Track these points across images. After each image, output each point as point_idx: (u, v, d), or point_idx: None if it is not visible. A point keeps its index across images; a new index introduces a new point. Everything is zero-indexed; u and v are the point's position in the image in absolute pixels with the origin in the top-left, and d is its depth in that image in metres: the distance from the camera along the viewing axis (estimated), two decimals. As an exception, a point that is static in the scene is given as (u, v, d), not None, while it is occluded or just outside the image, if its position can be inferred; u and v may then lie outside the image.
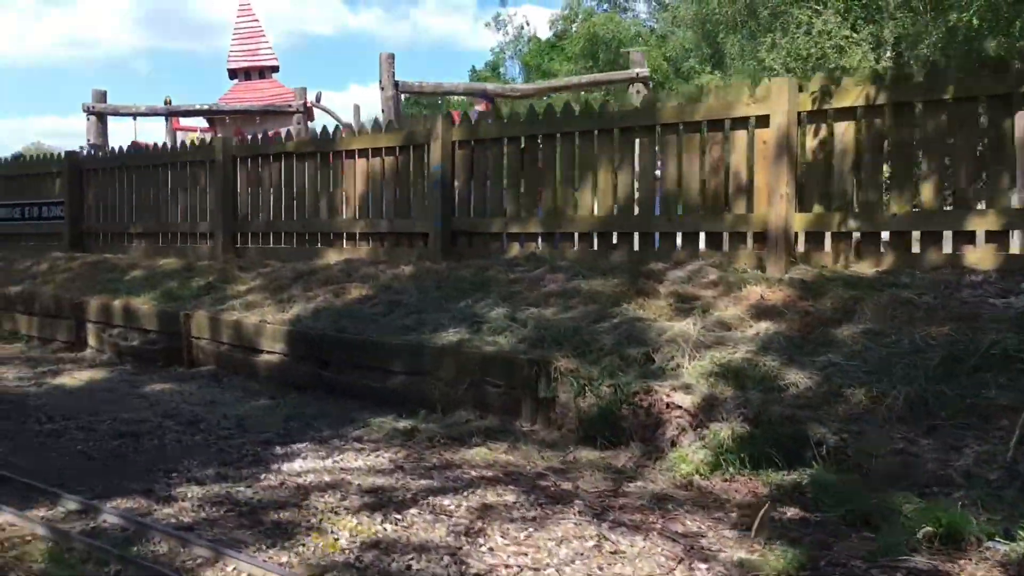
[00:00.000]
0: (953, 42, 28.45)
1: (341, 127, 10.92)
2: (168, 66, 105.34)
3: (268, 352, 5.92)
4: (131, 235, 9.60)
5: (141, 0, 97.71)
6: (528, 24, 49.79)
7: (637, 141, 5.95)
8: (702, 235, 5.68)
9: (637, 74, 12.64)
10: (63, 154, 10.62)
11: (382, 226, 7.36)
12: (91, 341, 7.41)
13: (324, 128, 8.13)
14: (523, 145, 6.53)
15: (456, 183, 6.91)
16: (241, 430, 4.69)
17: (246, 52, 27.18)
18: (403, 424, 4.69)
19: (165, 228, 9.24)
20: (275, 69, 27.26)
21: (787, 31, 31.58)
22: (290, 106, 17.61)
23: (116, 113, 18.39)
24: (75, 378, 6.25)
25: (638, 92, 12.76)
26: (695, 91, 7.01)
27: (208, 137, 25.26)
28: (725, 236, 5.58)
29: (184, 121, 25.13)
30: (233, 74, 27.02)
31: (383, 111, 14.17)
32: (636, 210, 5.99)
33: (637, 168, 5.97)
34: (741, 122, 5.43)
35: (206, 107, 18.91)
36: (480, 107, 10.13)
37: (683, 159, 5.70)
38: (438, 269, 6.48)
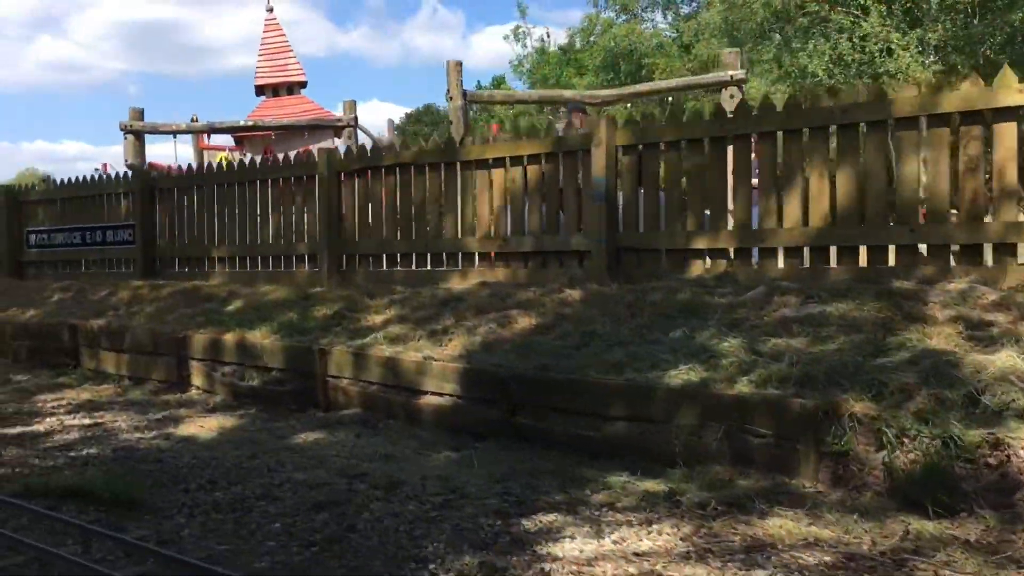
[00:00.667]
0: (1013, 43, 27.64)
1: (375, 141, 10.25)
2: (159, 90, 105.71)
3: (435, 394, 5.13)
4: (213, 260, 8.84)
5: (131, 25, 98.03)
6: (548, 36, 49.37)
7: (863, 138, 5.18)
8: (954, 247, 4.89)
9: (731, 77, 11.89)
10: (130, 173, 9.89)
11: (525, 245, 6.59)
12: (196, 381, 6.63)
13: (449, 137, 7.37)
14: (707, 148, 5.76)
15: (619, 194, 6.14)
16: (457, 496, 3.89)
17: (274, 68, 26.55)
18: (652, 485, 3.89)
19: (255, 251, 8.48)
20: (303, 85, 26.68)
21: (828, 36, 30.87)
22: (340, 120, 16.92)
23: (155, 131, 17.72)
24: (202, 427, 5.47)
25: (732, 97, 12.00)
26: (936, 80, 6.21)
27: (236, 156, 24.65)
28: (987, 248, 4.78)
29: (211, 140, 24.53)
30: (260, 91, 26.37)
31: (451, 122, 13.46)
32: (861, 219, 5.20)
33: (861, 170, 5.19)
34: (1007, 113, 4.66)
35: (249, 123, 18.21)
36: (574, 118, 9.36)
37: (927, 158, 4.93)
38: (609, 292, 5.69)
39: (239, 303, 7.25)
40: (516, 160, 6.67)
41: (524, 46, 49.75)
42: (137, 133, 17.37)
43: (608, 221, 6.04)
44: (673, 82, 13.01)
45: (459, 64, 13.57)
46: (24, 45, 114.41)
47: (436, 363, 5.12)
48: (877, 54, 29.17)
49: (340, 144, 24.07)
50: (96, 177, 10.32)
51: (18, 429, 5.52)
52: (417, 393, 5.23)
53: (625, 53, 41.31)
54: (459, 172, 7.03)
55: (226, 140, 26.38)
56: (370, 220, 7.66)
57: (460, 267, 7.00)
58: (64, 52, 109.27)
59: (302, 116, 22.01)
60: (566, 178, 6.40)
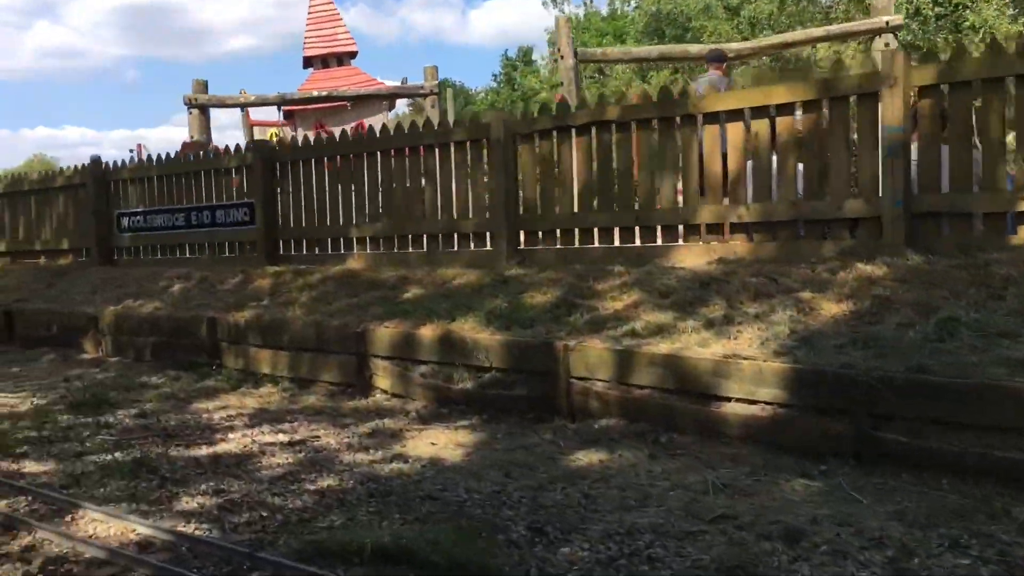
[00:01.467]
0: None
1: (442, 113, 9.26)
2: (158, 75, 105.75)
3: (743, 401, 4.14)
4: (352, 240, 7.88)
5: (127, 9, 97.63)
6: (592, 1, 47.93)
7: None
8: None
9: (887, 23, 10.74)
10: (248, 146, 8.92)
11: (776, 212, 5.56)
12: (381, 383, 5.68)
13: (664, 87, 6.33)
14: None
15: (913, 147, 5.09)
16: (899, 551, 2.90)
17: (323, 38, 25.58)
18: None
19: (405, 230, 7.50)
20: (353, 55, 25.66)
21: (903, -13, 29.30)
22: (422, 88, 15.89)
23: (222, 105, 16.82)
24: (433, 444, 4.52)
25: (887, 45, 10.85)
26: None
27: (287, 132, 23.74)
28: None
29: (256, 115, 23.63)
30: (308, 62, 25.44)
31: (562, 83, 12.42)
32: None
33: None
34: None
35: (323, 94, 17.21)
36: (714, 70, 8.28)
37: None
38: (924, 267, 4.66)
39: (416, 290, 6.29)
40: (759, 111, 5.62)
41: (562, 11, 48.41)
42: (202, 107, 16.47)
43: (904, 181, 4.98)
44: (821, 30, 11.85)
45: (568, 20, 12.50)
46: (21, 32, 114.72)
47: (746, 363, 4.12)
48: (958, 7, 27.75)
49: (385, 118, 23.09)
50: (203, 151, 9.37)
51: (206, 450, 4.61)
52: (713, 400, 4.25)
53: (670, 18, 39.91)
54: (680, 129, 6.00)
55: (266, 114, 25.48)
56: (556, 190, 6.65)
57: (683, 241, 5.99)
58: (62, 38, 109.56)
59: (355, 88, 21.05)
60: (837, 129, 5.34)
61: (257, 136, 23.46)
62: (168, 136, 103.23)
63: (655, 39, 42.99)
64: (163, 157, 9.75)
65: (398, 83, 19.08)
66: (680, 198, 6.05)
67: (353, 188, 7.91)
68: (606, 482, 3.77)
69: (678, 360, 4.35)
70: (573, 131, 6.48)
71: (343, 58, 26.49)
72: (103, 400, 5.91)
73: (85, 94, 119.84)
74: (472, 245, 7.07)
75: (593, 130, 6.38)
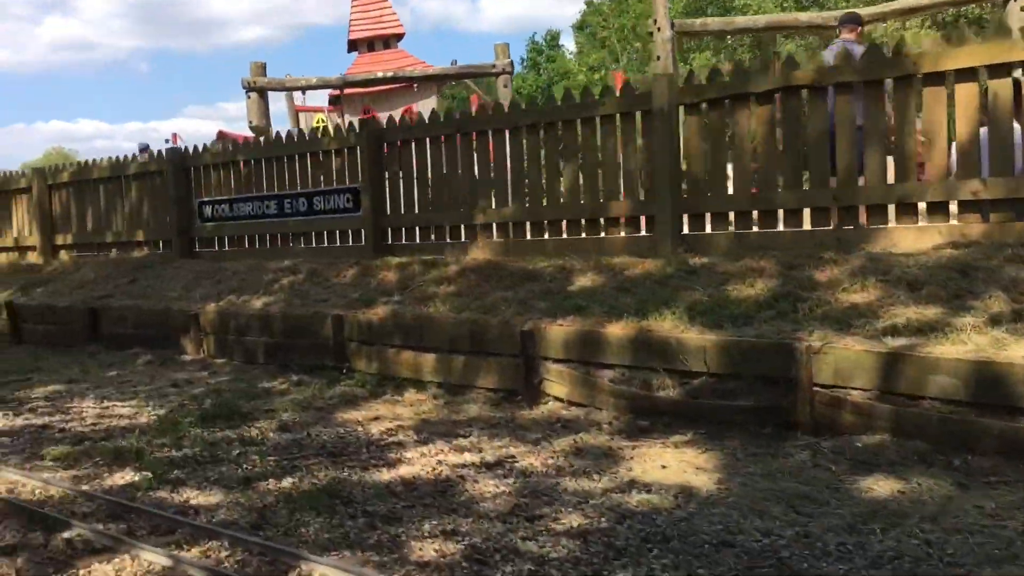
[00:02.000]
0: None
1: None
2: (170, 66, 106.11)
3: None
4: (474, 227, 7.18)
5: (138, 1, 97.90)
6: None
7: None
8: None
9: (1024, -18, 9.86)
10: (353, 125, 8.22)
11: None
12: (555, 389, 5.00)
13: (873, 45, 5.56)
14: None
15: None
16: None
17: (369, 20, 24.90)
18: None
19: (540, 214, 6.80)
20: (400, 37, 24.97)
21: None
22: (493, 67, 15.14)
23: (282, 88, 16.15)
24: (664, 467, 3.82)
25: (1023, 9, 9.98)
26: None
27: (334, 118, 23.09)
28: None
29: (301, 101, 23.06)
30: (353, 46, 24.80)
31: (658, 57, 11.64)
32: None
33: None
34: None
35: (388, 75, 16.53)
36: (847, 32, 7.47)
37: None
38: None
39: (583, 281, 5.59)
40: (997, 70, 4.84)
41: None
42: (261, 91, 15.81)
43: None
44: (949, -7, 10.97)
45: (665, -12, 11.71)
46: (34, 26, 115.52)
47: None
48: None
49: (435, 103, 22.36)
50: (297, 133, 8.72)
51: (390, 474, 3.95)
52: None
53: (710, -6, 38.92)
54: (894, 92, 5.24)
55: (312, 100, 24.88)
56: (729, 167, 5.92)
57: (895, 223, 5.24)
58: (74, 31, 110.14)
59: (421, 69, 20.36)
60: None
61: (303, 123, 22.89)
62: (181, 127, 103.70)
63: (698, 16, 42.03)
64: (250, 141, 9.10)
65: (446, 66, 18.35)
66: (892, 173, 5.29)
67: (476, 170, 7.22)
68: (934, 522, 3.05)
69: (982, 366, 3.61)
70: (750, 99, 5.74)
71: (390, 40, 25.85)
72: (233, 410, 5.28)
73: (98, 87, 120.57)
74: (622, 231, 6.36)
75: (777, 97, 5.63)
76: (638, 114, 6.24)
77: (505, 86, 15.26)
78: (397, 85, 22.01)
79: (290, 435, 4.76)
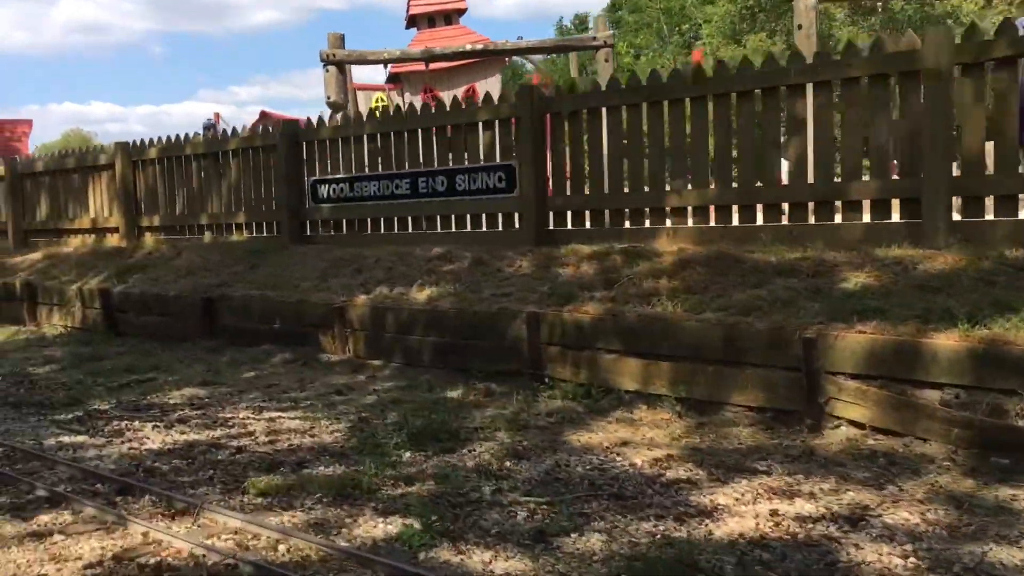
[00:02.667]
0: None
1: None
2: (183, 49, 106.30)
3: None
4: (663, 211, 6.27)
5: None
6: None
7: None
8: None
9: None
10: (508, 95, 7.29)
11: None
12: (849, 411, 4.10)
13: None
14: None
15: None
16: None
17: (430, -6, 24.06)
18: None
19: (752, 196, 5.87)
20: (462, 12, 24.07)
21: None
22: (594, 40, 14.18)
23: (363, 61, 15.30)
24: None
25: None
26: None
27: (393, 97, 22.22)
28: None
29: (358, 77, 22.27)
30: (412, 21, 23.94)
31: (799, 26, 10.63)
32: None
33: None
34: None
35: (478, 47, 15.61)
36: None
37: None
38: None
39: (858, 277, 4.67)
40: None
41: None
42: (340, 63, 14.98)
43: None
44: None
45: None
46: (48, 7, 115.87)
47: None
48: None
49: (498, 83, 21.45)
50: (437, 104, 7.83)
51: (718, 529, 3.11)
52: None
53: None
54: None
55: (371, 79, 24.04)
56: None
57: None
58: (87, 13, 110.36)
59: (510, 43, 19.54)
60: None
61: (361, 102, 22.08)
62: (192, 111, 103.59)
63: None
64: (377, 113, 8.24)
65: (542, 39, 17.42)
66: None
67: (669, 144, 6.30)
68: None
69: None
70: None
71: (451, 15, 24.99)
72: (439, 428, 4.44)
73: (111, 69, 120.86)
74: (867, 216, 5.42)
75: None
76: (894, 77, 5.29)
77: (607, 60, 14.28)
78: (458, 63, 21.29)
79: (532, 464, 3.90)
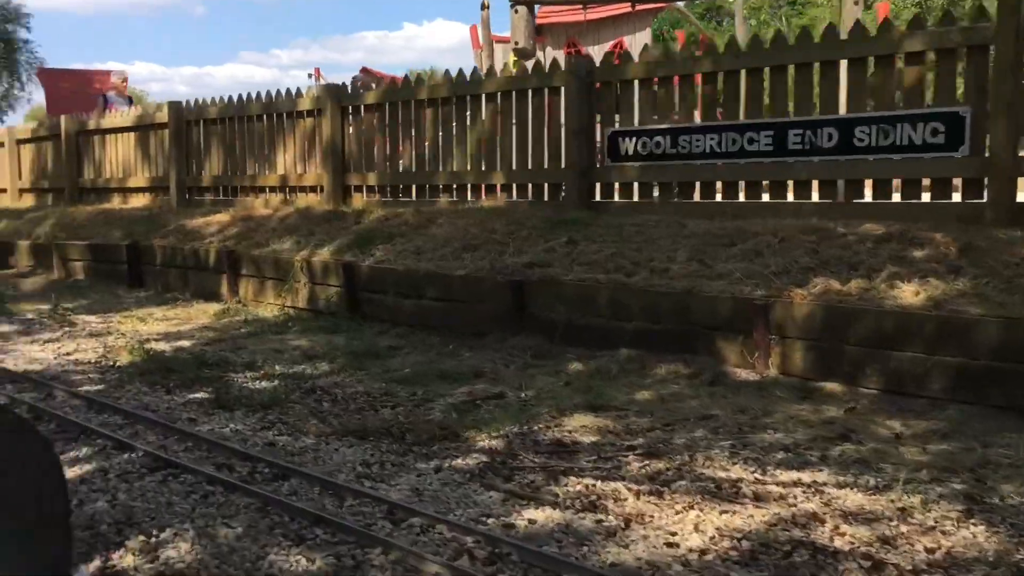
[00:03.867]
0: None
1: None
2: (224, 10, 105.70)
3: None
4: None
5: None
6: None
7: None
8: None
9: None
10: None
11: None
12: None
13: None
14: None
15: None
16: None
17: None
18: None
19: None
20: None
21: None
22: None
23: (551, 0, 13.59)
24: None
25: None
26: None
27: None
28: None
29: (497, 32, 20.57)
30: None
31: None
32: None
33: None
34: None
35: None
36: None
37: None
38: None
39: None
40: None
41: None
42: (529, 4, 13.32)
43: None
44: None
45: None
46: None
47: None
48: None
49: (645, 38, 19.62)
50: (828, 29, 6.04)
51: None
52: None
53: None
54: None
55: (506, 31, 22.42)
56: None
57: None
58: None
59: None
60: None
61: (499, 57, 20.35)
62: (234, 73, 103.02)
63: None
64: (720, 44, 6.48)
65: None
66: None
67: None
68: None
69: None
70: None
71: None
72: None
73: (154, 30, 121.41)
74: None
75: None
76: None
77: (856, 3, 12.27)
78: (609, 13, 19.98)
79: None
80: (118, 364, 5.74)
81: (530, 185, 7.54)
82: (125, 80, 13.53)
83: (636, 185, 6.83)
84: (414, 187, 8.48)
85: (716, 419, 4.14)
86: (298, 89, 9.70)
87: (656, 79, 6.68)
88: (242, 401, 4.68)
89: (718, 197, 6.41)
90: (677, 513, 3.07)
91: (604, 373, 4.93)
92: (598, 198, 7.07)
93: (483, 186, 7.84)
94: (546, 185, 7.42)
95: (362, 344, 6.10)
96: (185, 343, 6.46)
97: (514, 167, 7.62)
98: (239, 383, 5.17)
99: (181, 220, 9.81)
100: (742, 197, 6.34)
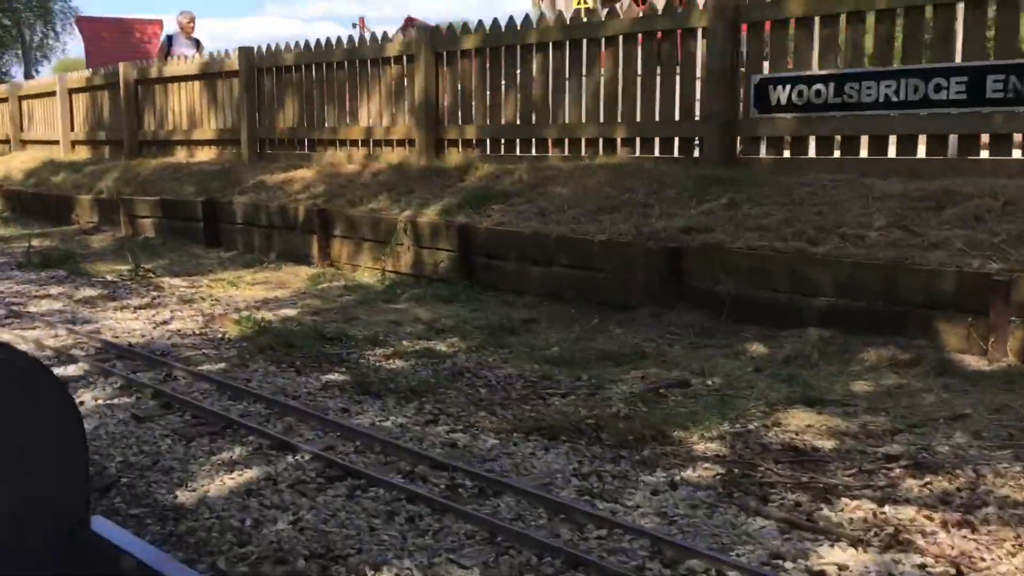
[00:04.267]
0: None
1: None
2: None
3: None
4: None
5: None
6: None
7: None
8: None
9: None
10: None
11: None
12: None
13: None
14: None
15: None
16: None
17: None
18: None
19: None
20: None
21: None
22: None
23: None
24: None
25: None
26: None
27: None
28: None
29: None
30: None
31: None
32: None
33: None
34: None
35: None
36: None
37: None
38: None
39: None
40: None
41: None
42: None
43: None
44: None
45: None
46: None
47: None
48: None
49: None
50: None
51: None
52: None
53: None
54: None
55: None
56: None
57: None
58: None
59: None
60: None
61: (560, 6, 19.41)
62: (260, 26, 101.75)
63: None
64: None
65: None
66: None
67: None
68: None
69: None
70: None
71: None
72: None
73: None
74: None
75: None
76: None
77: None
78: None
79: None
80: (228, 336, 5.20)
81: (657, 140, 6.83)
82: (192, 20, 12.65)
83: (789, 139, 6.10)
84: (518, 141, 7.79)
85: (971, 420, 3.48)
86: (384, 33, 9.00)
87: (817, 17, 5.91)
88: (388, 386, 4.10)
89: (891, 153, 5.68)
90: (1010, 554, 2.45)
91: (802, 358, 4.27)
92: (740, 152, 6.36)
93: (601, 140, 7.14)
94: (676, 140, 6.71)
95: (491, 317, 5.50)
96: (290, 311, 5.90)
97: (638, 119, 6.90)
98: (372, 362, 4.61)
99: (259, 175, 9.22)
100: (921, 153, 5.59)
